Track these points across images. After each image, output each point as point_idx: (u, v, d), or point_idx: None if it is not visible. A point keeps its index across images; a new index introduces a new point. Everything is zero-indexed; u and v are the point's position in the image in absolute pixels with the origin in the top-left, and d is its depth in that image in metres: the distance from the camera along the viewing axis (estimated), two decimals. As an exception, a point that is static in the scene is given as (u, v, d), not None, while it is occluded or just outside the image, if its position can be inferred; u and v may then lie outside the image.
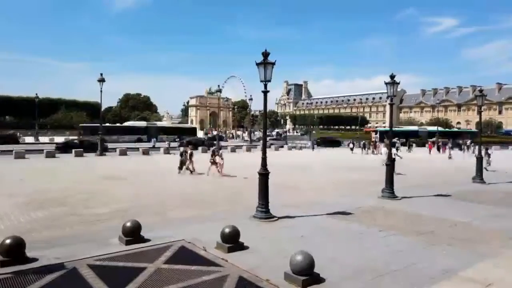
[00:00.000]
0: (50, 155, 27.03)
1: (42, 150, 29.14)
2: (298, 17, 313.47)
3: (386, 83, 12.97)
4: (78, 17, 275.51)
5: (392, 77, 12.75)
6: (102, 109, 42.43)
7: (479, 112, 18.68)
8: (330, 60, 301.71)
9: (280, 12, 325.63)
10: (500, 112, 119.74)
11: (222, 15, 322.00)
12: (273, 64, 9.28)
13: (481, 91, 18.68)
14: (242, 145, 45.72)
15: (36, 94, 52.59)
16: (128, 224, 7.21)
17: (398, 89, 13.97)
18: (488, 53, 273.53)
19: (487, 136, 75.90)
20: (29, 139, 49.29)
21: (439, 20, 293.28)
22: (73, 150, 28.99)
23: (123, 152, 30.89)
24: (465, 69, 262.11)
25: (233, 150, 38.66)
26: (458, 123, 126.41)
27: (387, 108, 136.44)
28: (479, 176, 17.69)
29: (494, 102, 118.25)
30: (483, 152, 19.55)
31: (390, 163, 13.40)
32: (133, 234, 7.17)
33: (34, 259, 6.12)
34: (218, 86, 50.56)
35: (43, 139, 50.28)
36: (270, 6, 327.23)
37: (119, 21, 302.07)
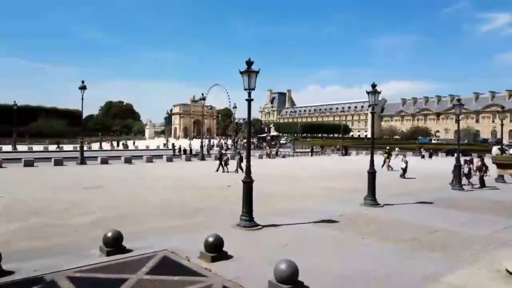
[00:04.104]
0: (28, 164, 26.31)
1: (20, 158, 28.41)
2: (305, 16, 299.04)
3: (367, 92, 13.20)
4: (58, 14, 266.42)
5: (373, 86, 12.99)
6: (83, 117, 41.69)
7: (457, 121, 19.20)
8: (337, 64, 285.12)
9: (281, 12, 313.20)
10: (477, 121, 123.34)
11: (220, 16, 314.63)
12: (256, 72, 9.35)
13: (458, 100, 19.30)
14: (226, 153, 45.48)
15: (15, 101, 51.37)
16: (109, 234, 7.05)
17: (379, 98, 14.26)
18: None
19: (465, 144, 77.77)
20: (7, 147, 48.07)
21: (493, 16, 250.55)
22: (53, 159, 28.31)
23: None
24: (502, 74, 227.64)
25: (217, 158, 38.45)
26: (437, 131, 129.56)
27: (369, 116, 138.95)
28: (458, 183, 18.11)
29: (471, 111, 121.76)
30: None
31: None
32: (114, 244, 7.02)
33: (11, 272, 5.91)
34: (202, 94, 49.98)
35: (21, 147, 49.07)
36: (270, 5, 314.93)
37: (100, 22, 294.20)
